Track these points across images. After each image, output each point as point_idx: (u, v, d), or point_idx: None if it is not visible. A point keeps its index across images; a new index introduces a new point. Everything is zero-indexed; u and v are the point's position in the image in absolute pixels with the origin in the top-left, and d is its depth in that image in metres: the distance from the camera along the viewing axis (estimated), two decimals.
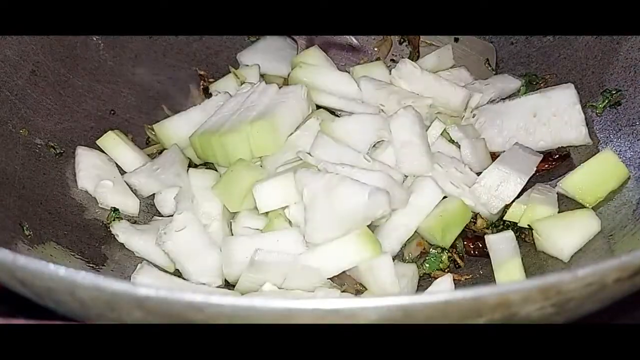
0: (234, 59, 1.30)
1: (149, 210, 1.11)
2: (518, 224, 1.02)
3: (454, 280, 0.95)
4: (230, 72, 1.25)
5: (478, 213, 1.03)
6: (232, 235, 1.02)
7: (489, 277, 0.98)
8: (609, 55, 1.14)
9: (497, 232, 1.02)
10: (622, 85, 1.11)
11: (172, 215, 1.02)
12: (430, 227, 0.97)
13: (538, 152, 1.08)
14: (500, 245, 0.97)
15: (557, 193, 1.03)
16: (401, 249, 0.99)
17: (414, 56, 1.25)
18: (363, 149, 1.02)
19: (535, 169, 1.04)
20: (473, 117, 1.13)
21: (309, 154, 0.99)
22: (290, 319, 0.61)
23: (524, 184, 1.01)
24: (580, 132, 1.08)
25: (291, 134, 1.04)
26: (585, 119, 1.09)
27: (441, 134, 1.06)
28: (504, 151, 1.08)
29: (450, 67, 1.20)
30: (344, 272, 0.93)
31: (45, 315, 0.79)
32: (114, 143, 1.14)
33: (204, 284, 0.97)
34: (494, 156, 1.09)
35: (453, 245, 1.00)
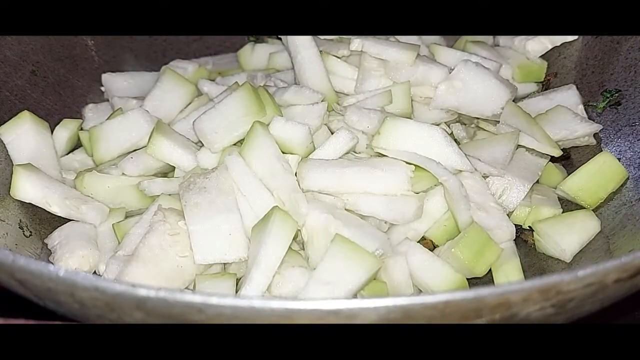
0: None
1: None
2: (522, 227, 1.01)
3: None
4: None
5: None
6: None
7: (489, 278, 0.98)
8: (609, 55, 1.14)
9: None
10: (622, 85, 1.11)
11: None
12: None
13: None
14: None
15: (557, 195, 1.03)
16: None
17: None
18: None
19: (540, 173, 1.03)
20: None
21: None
22: (290, 320, 0.61)
23: (527, 190, 0.99)
24: (584, 133, 1.08)
25: None
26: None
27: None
28: None
29: None
30: None
31: (45, 315, 0.79)
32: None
33: None
34: None
35: None
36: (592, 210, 1.00)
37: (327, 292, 0.82)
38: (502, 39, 1.24)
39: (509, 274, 0.93)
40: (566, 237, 0.96)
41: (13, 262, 0.65)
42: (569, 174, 1.04)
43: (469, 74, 1.04)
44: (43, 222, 1.00)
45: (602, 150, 1.07)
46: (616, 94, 1.11)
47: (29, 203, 0.99)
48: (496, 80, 1.05)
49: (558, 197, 1.03)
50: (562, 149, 1.05)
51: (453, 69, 1.06)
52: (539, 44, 1.22)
